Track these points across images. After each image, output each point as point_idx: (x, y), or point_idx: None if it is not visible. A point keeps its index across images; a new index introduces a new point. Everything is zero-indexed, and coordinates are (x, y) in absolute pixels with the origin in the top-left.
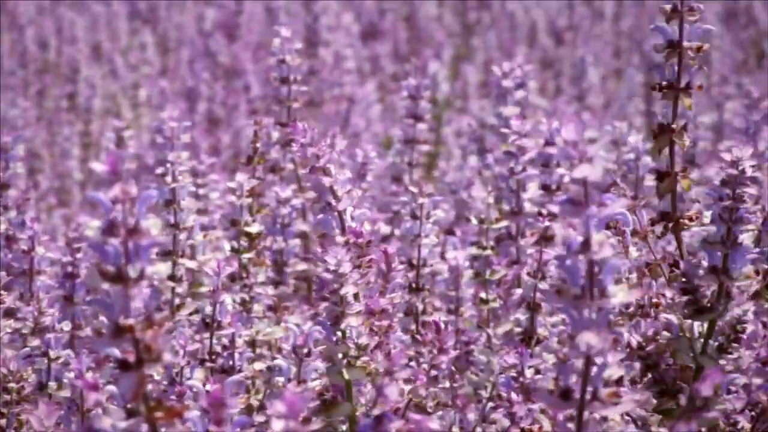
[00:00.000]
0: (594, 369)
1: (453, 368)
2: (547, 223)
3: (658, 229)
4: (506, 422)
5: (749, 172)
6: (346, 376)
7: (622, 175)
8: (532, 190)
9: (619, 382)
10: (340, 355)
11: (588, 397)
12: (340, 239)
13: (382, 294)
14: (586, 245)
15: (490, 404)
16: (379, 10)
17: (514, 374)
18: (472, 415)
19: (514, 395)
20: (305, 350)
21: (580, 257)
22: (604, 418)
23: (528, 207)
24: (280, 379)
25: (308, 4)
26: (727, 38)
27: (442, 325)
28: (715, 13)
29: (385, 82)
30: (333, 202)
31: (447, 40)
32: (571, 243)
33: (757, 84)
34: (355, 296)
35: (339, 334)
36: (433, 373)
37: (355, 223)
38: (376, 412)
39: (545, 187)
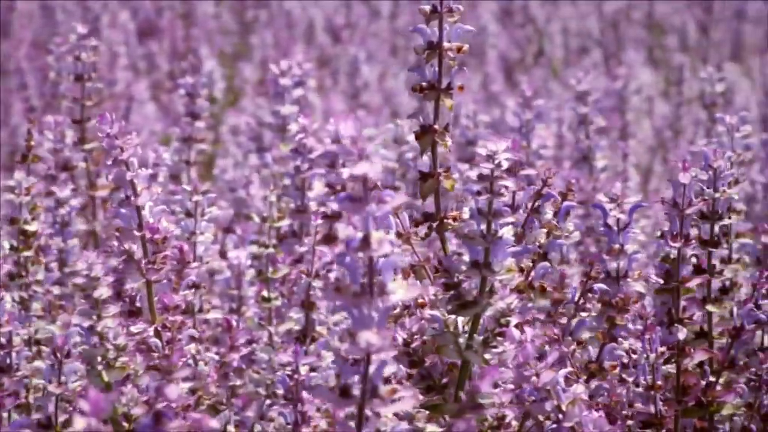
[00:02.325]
0: (373, 366)
1: (243, 366)
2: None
3: (423, 229)
4: (282, 420)
5: (505, 165)
6: (106, 378)
7: (402, 174)
8: (318, 189)
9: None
10: (99, 357)
11: (368, 394)
12: (136, 234)
13: (176, 291)
14: (365, 242)
15: (267, 402)
16: (156, 8)
17: (289, 372)
18: (250, 413)
19: (305, 394)
20: (65, 351)
21: (360, 254)
22: (377, 416)
23: (313, 205)
24: (40, 381)
25: (86, 3)
26: (504, 36)
27: (234, 323)
28: (491, 11)
29: (162, 80)
30: (132, 196)
31: (225, 38)
32: (351, 240)
33: (533, 82)
34: (149, 293)
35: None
36: (224, 370)
37: (152, 219)
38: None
39: (330, 186)
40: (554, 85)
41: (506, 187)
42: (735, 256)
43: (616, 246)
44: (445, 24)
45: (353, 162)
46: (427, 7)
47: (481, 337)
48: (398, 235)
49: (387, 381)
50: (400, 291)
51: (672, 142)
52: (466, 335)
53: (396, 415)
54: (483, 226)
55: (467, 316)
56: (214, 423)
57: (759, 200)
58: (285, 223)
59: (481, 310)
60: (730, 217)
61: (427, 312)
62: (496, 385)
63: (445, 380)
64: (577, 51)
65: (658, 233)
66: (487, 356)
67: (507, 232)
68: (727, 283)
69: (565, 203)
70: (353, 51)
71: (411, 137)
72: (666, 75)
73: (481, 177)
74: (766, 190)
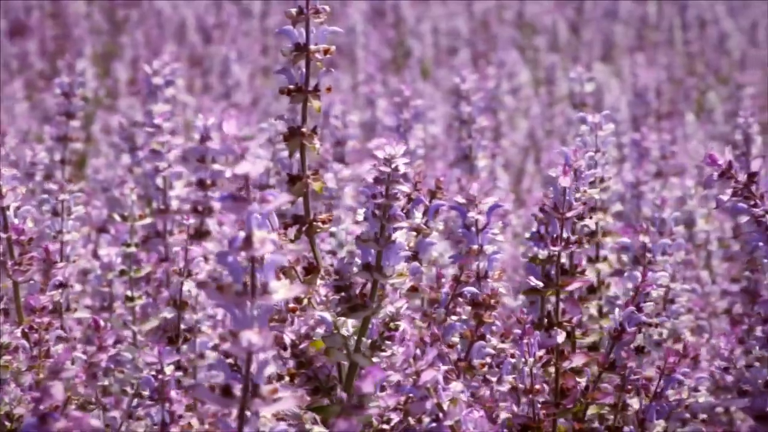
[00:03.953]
0: (255, 366)
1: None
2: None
3: (292, 232)
4: (149, 421)
5: (402, 170)
6: None
7: (276, 173)
8: (179, 188)
9: (276, 379)
10: None
11: (249, 394)
12: (2, 236)
13: (43, 291)
14: (248, 242)
15: (136, 401)
16: (25, 8)
17: (154, 372)
18: (117, 412)
19: (173, 393)
20: None
21: (242, 253)
22: (257, 415)
23: (176, 204)
24: None
25: None
26: (375, 37)
27: (102, 323)
28: (362, 11)
29: (33, 79)
30: None
31: (95, 38)
32: (233, 239)
33: (405, 81)
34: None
35: None
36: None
37: (19, 220)
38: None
39: (201, 183)
40: (425, 85)
41: (402, 192)
42: (603, 254)
43: (475, 247)
44: (311, 26)
45: (234, 161)
46: (294, 9)
47: (370, 340)
48: None
49: (269, 381)
50: (281, 290)
51: (544, 142)
52: (355, 338)
53: (275, 415)
54: (377, 229)
55: (357, 319)
56: (95, 422)
57: (627, 200)
58: (146, 222)
59: (372, 314)
60: (591, 217)
61: (317, 314)
62: (383, 388)
63: (332, 382)
64: (447, 51)
65: (528, 234)
66: (375, 359)
67: (400, 236)
68: (595, 282)
69: (434, 202)
70: (224, 50)
71: None
72: (536, 75)
73: (377, 180)
74: (633, 188)
